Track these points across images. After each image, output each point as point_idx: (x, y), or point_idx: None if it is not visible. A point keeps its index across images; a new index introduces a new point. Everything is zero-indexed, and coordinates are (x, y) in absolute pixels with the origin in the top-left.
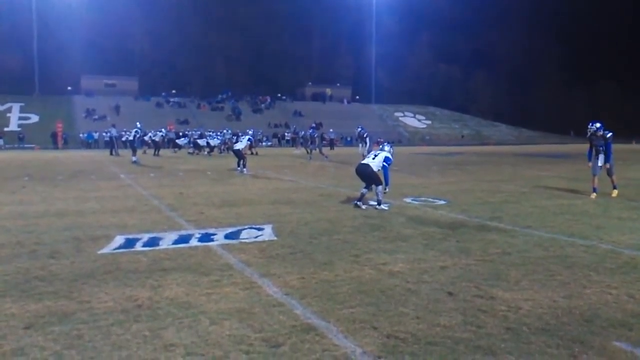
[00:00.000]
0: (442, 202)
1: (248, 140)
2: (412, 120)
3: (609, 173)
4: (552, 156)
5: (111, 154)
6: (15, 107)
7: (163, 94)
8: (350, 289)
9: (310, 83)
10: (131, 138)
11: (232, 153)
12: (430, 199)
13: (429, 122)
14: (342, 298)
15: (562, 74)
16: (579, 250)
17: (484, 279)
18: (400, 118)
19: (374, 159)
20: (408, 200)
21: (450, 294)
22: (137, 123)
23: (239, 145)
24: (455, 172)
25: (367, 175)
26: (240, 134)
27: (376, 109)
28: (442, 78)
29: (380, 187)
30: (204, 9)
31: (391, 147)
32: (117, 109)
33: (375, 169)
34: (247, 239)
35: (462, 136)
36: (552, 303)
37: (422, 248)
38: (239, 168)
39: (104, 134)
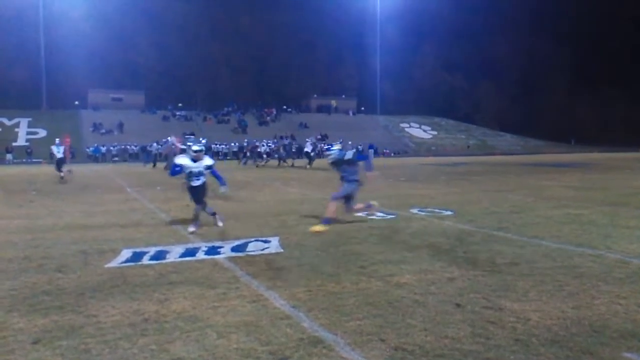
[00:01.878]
0: (448, 212)
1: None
2: (418, 131)
3: None
4: (559, 165)
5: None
6: (24, 122)
7: (169, 107)
8: (357, 301)
9: (315, 95)
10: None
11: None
12: (436, 210)
13: (434, 132)
14: (349, 310)
15: (568, 81)
16: (587, 260)
17: (491, 290)
18: (406, 129)
19: None
20: (415, 210)
21: (458, 305)
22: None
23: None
24: (462, 182)
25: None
26: (307, 140)
27: (382, 120)
28: (447, 88)
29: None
30: (209, 23)
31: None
32: (120, 126)
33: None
34: (253, 251)
35: (468, 146)
36: (561, 314)
37: (429, 259)
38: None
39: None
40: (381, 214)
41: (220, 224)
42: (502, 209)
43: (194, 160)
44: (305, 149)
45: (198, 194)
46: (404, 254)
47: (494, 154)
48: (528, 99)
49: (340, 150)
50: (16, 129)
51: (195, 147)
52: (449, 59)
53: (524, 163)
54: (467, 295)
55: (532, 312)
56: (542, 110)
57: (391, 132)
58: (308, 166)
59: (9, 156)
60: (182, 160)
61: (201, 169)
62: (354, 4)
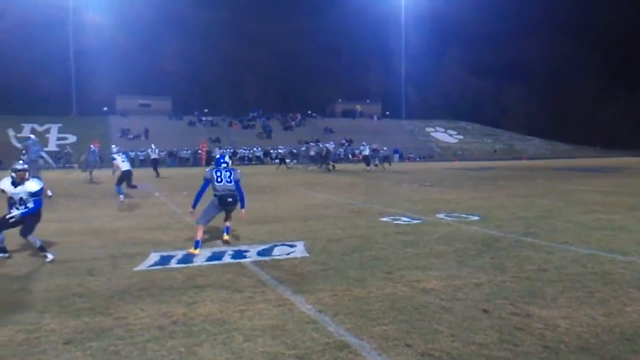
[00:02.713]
0: (475, 217)
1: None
2: (444, 135)
3: None
4: (589, 170)
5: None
6: (54, 127)
7: (195, 113)
8: (384, 306)
9: (340, 100)
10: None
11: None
12: (463, 215)
13: (460, 137)
14: (375, 315)
15: (599, 84)
16: (619, 267)
17: (519, 296)
18: (431, 133)
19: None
20: (441, 216)
21: (485, 311)
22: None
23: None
24: (489, 187)
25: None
26: (364, 143)
27: (406, 124)
28: (473, 92)
29: None
30: (234, 30)
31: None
32: (146, 132)
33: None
34: (279, 255)
35: (495, 151)
36: (591, 321)
37: (455, 265)
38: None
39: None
40: (407, 219)
41: (49, 257)
42: (530, 214)
43: (14, 183)
44: (364, 153)
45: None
46: (430, 259)
47: (521, 159)
48: (556, 103)
49: None
50: (47, 135)
51: (16, 166)
52: (476, 62)
53: (552, 167)
54: (494, 301)
55: (561, 318)
56: (571, 114)
57: (416, 136)
58: (368, 168)
59: (41, 161)
60: (3, 184)
61: (22, 195)
62: (379, 9)
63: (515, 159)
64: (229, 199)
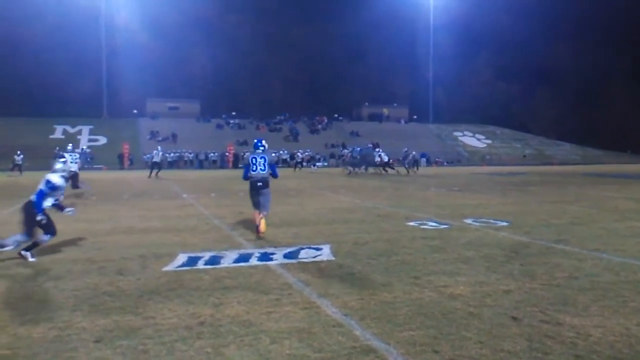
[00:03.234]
0: (504, 223)
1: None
2: (472, 139)
3: None
4: (621, 176)
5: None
6: (85, 129)
7: (223, 115)
8: (410, 311)
9: (367, 103)
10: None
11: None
12: (491, 220)
13: (489, 141)
14: (402, 320)
15: (631, 89)
16: None
17: (550, 304)
18: (459, 137)
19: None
20: (468, 221)
21: (514, 318)
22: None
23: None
24: (517, 192)
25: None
26: (405, 149)
27: (434, 128)
28: (502, 96)
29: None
30: (262, 34)
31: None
32: (174, 137)
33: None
34: (305, 258)
35: (524, 156)
36: (625, 330)
37: (484, 271)
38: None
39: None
40: (434, 224)
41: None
42: (561, 220)
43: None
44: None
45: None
46: (458, 265)
47: (551, 164)
48: (587, 108)
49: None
50: (78, 136)
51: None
52: (505, 66)
53: (583, 173)
54: (524, 309)
55: (593, 327)
56: (601, 119)
57: (444, 140)
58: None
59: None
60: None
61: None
62: (407, 13)
63: (545, 164)
64: (259, 184)
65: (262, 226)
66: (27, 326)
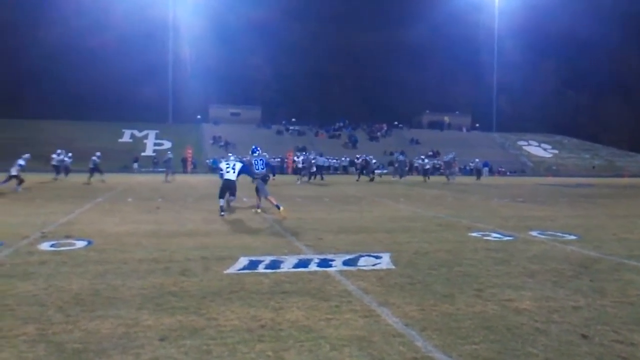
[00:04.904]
0: (572, 236)
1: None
2: (537, 149)
3: None
4: None
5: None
6: (152, 134)
7: (283, 122)
8: (473, 324)
9: (427, 111)
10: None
11: None
12: (559, 233)
13: (555, 151)
14: (465, 333)
15: None
16: None
17: (622, 323)
18: (523, 147)
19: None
20: (534, 233)
21: (584, 336)
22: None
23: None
24: (586, 205)
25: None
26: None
27: (497, 137)
28: (570, 105)
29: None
30: (322, 40)
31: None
32: (226, 145)
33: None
34: (365, 266)
35: (593, 167)
36: None
37: (551, 285)
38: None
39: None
40: (498, 235)
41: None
42: (633, 235)
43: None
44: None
45: None
46: (523, 278)
47: (622, 176)
48: None
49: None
50: (145, 141)
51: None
52: (573, 73)
53: None
54: (594, 327)
55: None
56: None
57: (507, 150)
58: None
59: (135, 165)
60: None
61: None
62: (470, 19)
63: (616, 176)
64: (267, 178)
65: (274, 200)
66: (97, 322)
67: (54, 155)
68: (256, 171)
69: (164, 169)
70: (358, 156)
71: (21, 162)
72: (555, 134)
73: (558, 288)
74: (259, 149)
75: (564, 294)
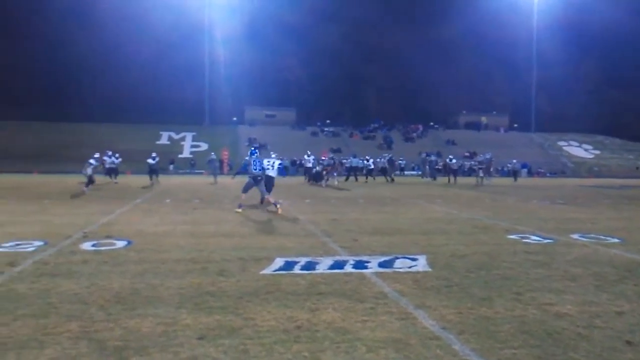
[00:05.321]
0: (615, 240)
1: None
2: (578, 149)
3: None
4: None
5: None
6: (189, 136)
7: (318, 123)
8: (512, 328)
9: (464, 111)
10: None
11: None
12: (601, 236)
13: (597, 152)
14: (504, 337)
15: None
16: None
17: None
18: (563, 147)
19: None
20: (575, 236)
21: (628, 343)
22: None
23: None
24: (631, 207)
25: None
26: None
27: (536, 137)
28: (612, 104)
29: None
30: (357, 41)
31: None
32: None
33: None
34: (400, 268)
35: (638, 168)
36: None
37: (593, 290)
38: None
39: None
40: (537, 238)
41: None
42: None
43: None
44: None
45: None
46: (564, 282)
47: None
48: None
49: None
50: (182, 142)
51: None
52: (617, 71)
53: None
54: (639, 333)
55: None
56: None
57: (547, 150)
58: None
59: (171, 167)
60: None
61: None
62: (507, 17)
63: None
64: (259, 178)
65: (271, 199)
66: (137, 320)
67: (105, 158)
68: (253, 171)
69: (202, 171)
70: (382, 156)
71: (92, 161)
72: (596, 134)
73: (601, 292)
74: (257, 151)
75: (607, 299)
